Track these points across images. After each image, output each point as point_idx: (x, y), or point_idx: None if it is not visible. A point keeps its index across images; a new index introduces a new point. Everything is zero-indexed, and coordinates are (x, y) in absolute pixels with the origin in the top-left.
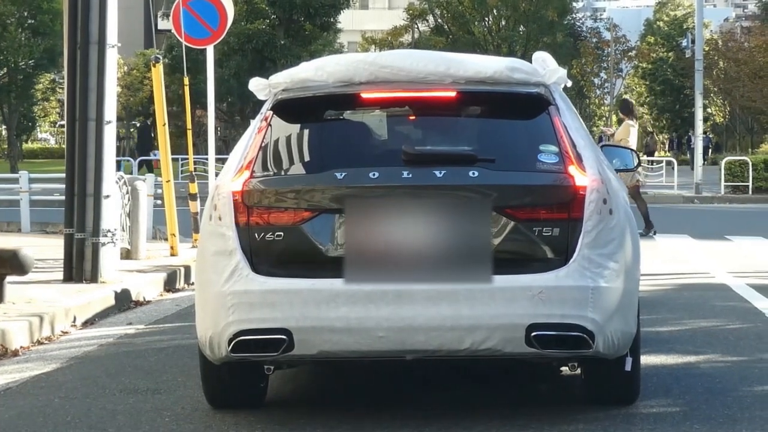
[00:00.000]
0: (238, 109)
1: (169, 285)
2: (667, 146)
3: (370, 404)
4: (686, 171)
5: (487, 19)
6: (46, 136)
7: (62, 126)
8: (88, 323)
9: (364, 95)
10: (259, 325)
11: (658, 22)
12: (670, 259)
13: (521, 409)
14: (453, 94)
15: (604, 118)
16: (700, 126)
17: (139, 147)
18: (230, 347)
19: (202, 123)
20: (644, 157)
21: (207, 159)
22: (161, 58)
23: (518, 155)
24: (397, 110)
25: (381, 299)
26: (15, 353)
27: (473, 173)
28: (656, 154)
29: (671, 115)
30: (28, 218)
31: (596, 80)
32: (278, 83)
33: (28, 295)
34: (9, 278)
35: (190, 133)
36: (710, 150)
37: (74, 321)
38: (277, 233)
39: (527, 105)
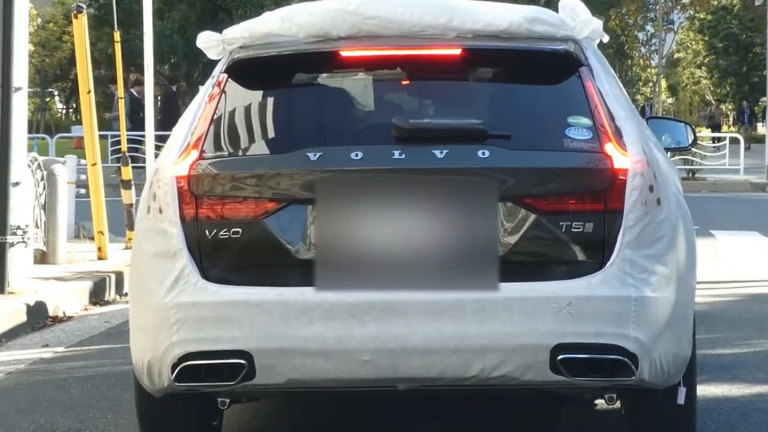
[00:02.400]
0: (184, 72)
1: (96, 296)
2: (731, 119)
3: None
4: (758, 151)
5: None
6: None
7: None
8: None
9: (344, 54)
10: (211, 346)
11: None
12: (736, 263)
13: None
14: (458, 52)
15: (650, 84)
16: None
17: (164, 120)
18: (174, 375)
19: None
20: (707, 133)
21: (144, 136)
22: (84, 7)
23: (540, 130)
24: (385, 73)
25: (366, 313)
26: None
27: (483, 153)
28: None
29: (737, 79)
30: None
31: (641, 35)
32: (234, 39)
33: None
34: None
35: (122, 103)
36: None
37: None
38: (233, 230)
39: (552, 66)
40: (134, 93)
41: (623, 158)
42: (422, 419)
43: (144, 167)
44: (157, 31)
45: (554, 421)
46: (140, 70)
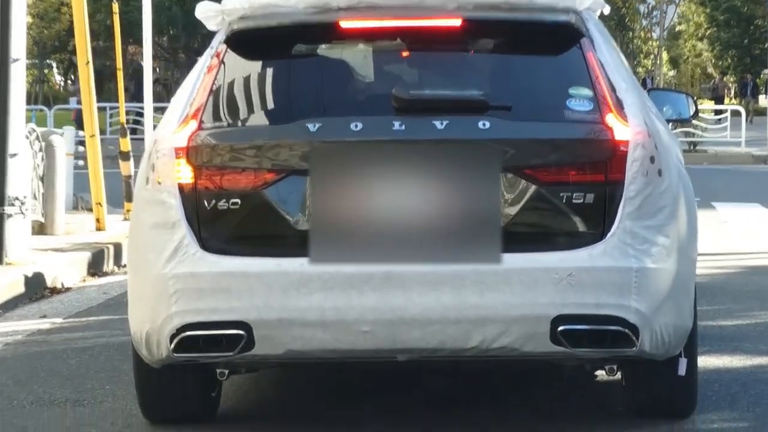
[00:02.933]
0: (183, 45)
1: (95, 267)
2: (733, 92)
3: (352, 420)
4: (759, 123)
5: None
6: None
7: None
8: None
9: (344, 24)
10: (209, 317)
11: None
12: (737, 235)
13: (543, 427)
14: (458, 22)
15: (651, 56)
16: None
17: None
18: (173, 345)
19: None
20: (710, 105)
21: (143, 108)
22: None
23: (541, 101)
24: (386, 44)
25: (365, 284)
26: None
27: (484, 124)
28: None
29: (738, 52)
30: None
31: (642, 7)
32: (234, 9)
33: None
34: None
35: (120, 75)
36: None
37: None
38: (232, 201)
39: (553, 37)
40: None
41: (624, 129)
42: (422, 390)
43: (143, 139)
44: (155, 2)
45: (554, 392)
46: (139, 42)
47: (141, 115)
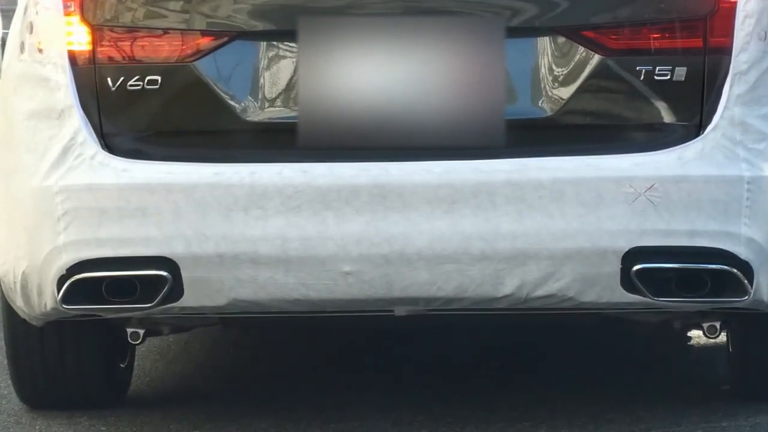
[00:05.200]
0: None
1: None
2: None
3: (316, 403)
4: None
5: None
6: None
7: None
8: None
9: None
10: (116, 251)
11: None
12: None
13: (613, 413)
14: None
15: None
16: None
17: None
18: (62, 293)
19: None
20: None
21: None
22: None
23: None
24: None
25: (347, 202)
26: None
27: None
28: None
29: None
30: None
31: None
32: None
33: None
34: None
35: None
36: None
37: None
38: (148, 78)
39: None
40: None
41: None
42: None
43: None
44: None
45: (625, 360)
46: None
47: None
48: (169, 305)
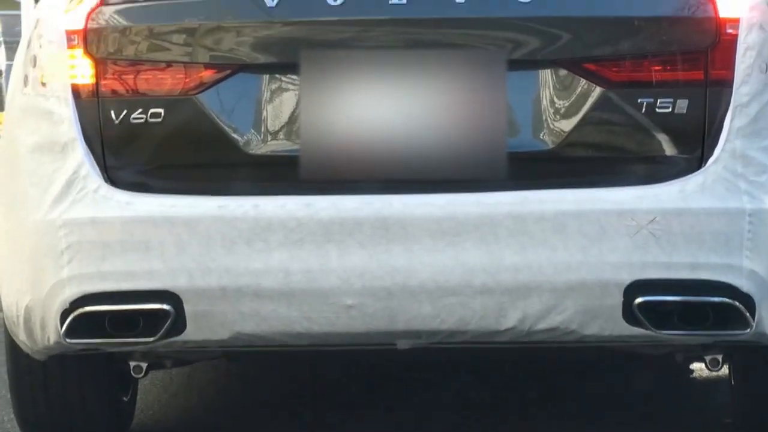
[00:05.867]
0: None
1: None
2: None
3: None
4: None
5: None
6: None
7: None
8: None
9: None
10: (119, 285)
11: None
12: None
13: None
14: None
15: None
16: None
17: None
18: (65, 327)
19: None
20: None
21: None
22: None
23: None
24: None
25: (350, 235)
26: None
27: None
28: None
29: None
30: None
31: None
32: None
33: None
34: None
35: None
36: None
37: None
38: (152, 111)
39: None
40: None
41: (733, 1)
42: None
43: (19, 15)
44: None
45: (628, 394)
46: None
47: None
48: (171, 339)
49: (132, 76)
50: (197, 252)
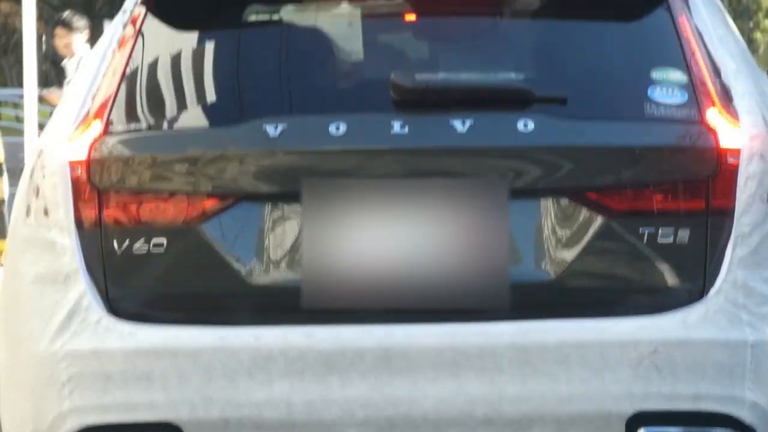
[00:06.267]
0: (83, 2)
1: None
2: None
3: None
4: None
5: None
6: None
7: None
8: None
9: None
10: (121, 417)
11: None
12: None
13: None
14: None
15: None
16: None
17: None
18: None
19: (13, 26)
20: None
21: (21, 97)
22: None
23: (611, 90)
24: (381, 5)
25: (352, 366)
26: None
27: (526, 125)
28: None
29: None
30: None
31: None
32: None
33: None
34: None
35: None
36: None
37: None
38: (154, 241)
39: None
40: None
41: (734, 131)
42: None
43: (22, 143)
44: None
45: None
46: None
47: (19, 106)
48: None
49: (135, 206)
50: (199, 383)
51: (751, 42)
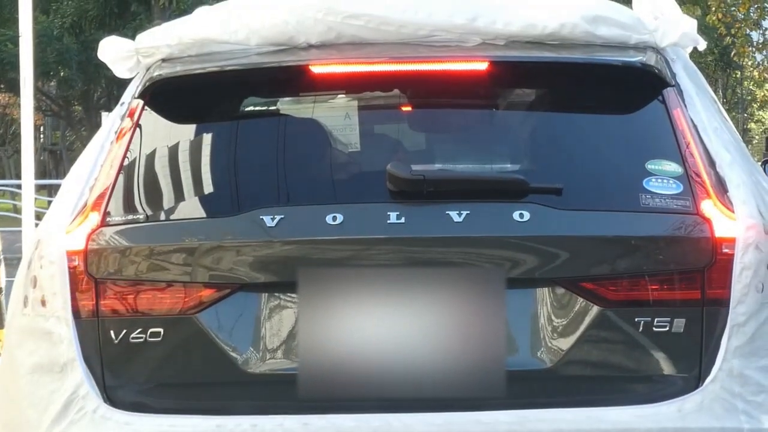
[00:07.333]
0: (80, 94)
1: None
2: None
3: None
4: None
5: None
6: None
7: None
8: None
9: (316, 69)
10: None
11: None
12: None
13: None
14: (484, 66)
15: None
16: None
17: None
18: None
19: (11, 117)
20: None
21: (20, 187)
22: None
23: (606, 181)
24: (377, 97)
25: None
26: None
27: (522, 215)
28: None
29: None
30: None
31: (755, 35)
32: (154, 48)
33: None
34: None
35: None
36: None
37: None
38: (151, 331)
39: (623, 86)
40: None
41: (729, 222)
42: None
43: (20, 232)
44: (38, 30)
45: None
46: (14, 88)
47: (17, 197)
48: None
49: (132, 296)
50: None
51: (745, 132)
